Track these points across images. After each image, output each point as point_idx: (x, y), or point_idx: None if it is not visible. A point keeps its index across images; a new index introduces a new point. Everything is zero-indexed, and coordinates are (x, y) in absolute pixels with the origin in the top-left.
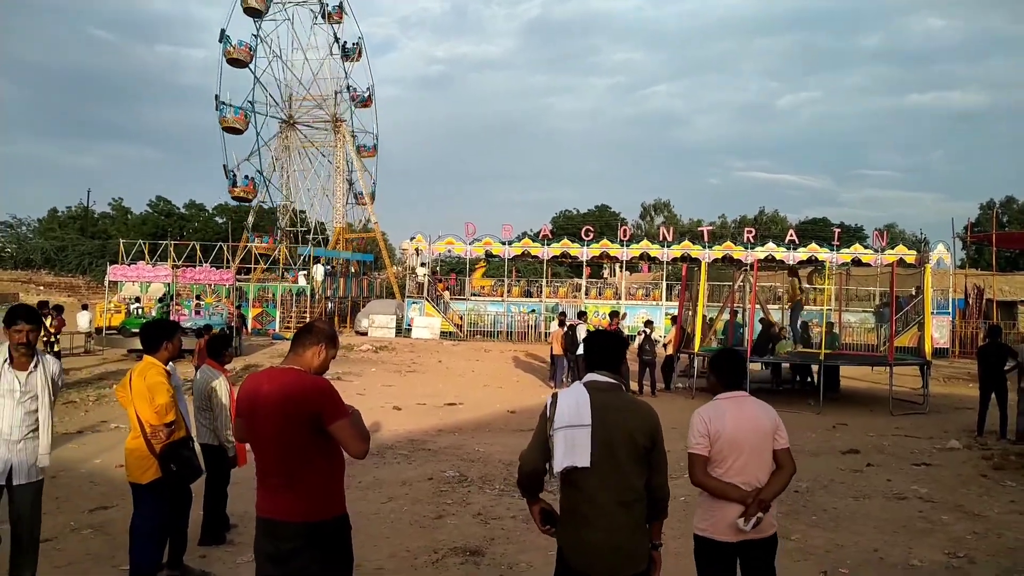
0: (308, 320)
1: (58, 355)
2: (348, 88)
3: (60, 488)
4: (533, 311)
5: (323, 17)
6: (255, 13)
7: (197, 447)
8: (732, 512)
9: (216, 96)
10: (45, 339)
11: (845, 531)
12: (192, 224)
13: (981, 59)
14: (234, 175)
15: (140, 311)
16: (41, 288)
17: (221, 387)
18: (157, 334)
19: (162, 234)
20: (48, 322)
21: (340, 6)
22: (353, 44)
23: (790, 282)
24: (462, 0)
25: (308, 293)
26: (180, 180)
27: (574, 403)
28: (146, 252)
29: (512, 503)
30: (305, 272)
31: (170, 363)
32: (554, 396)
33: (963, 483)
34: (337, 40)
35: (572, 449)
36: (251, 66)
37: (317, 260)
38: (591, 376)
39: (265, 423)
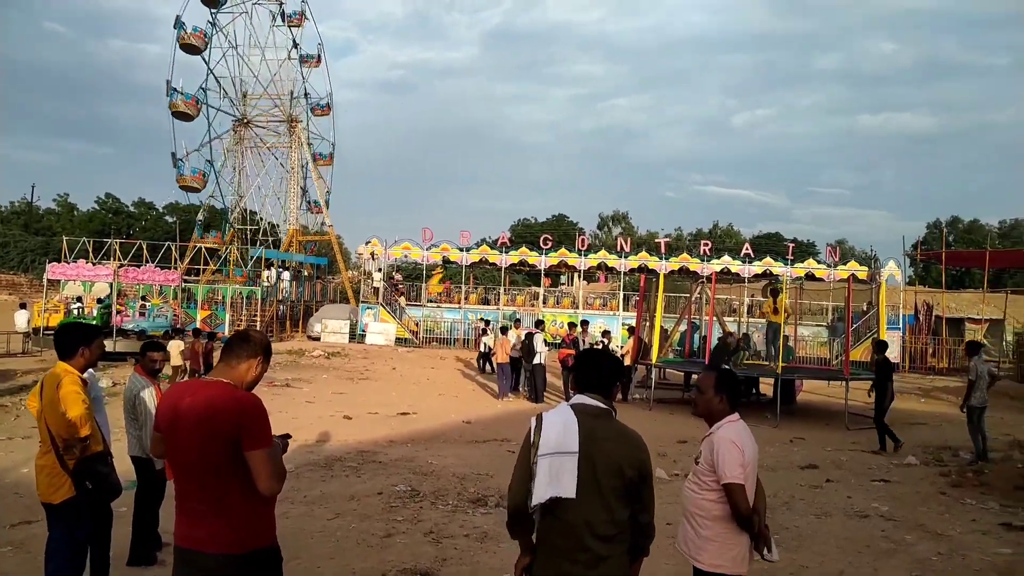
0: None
1: None
2: (306, 95)
3: None
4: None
5: (283, 20)
6: (193, 50)
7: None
8: (746, 542)
9: (167, 81)
10: None
11: (808, 551)
12: (140, 223)
13: (931, 83)
14: (182, 164)
15: (81, 311)
16: None
17: (148, 396)
18: (73, 338)
19: (109, 232)
20: None
21: (302, 12)
22: (312, 54)
23: (767, 302)
24: (424, 5)
25: (259, 296)
26: (130, 178)
27: (561, 428)
28: (90, 250)
29: (466, 520)
30: (270, 274)
31: (89, 370)
32: (538, 418)
33: (923, 500)
34: (296, 45)
35: (557, 478)
36: (205, 55)
37: (269, 262)
38: (580, 399)
39: (185, 441)
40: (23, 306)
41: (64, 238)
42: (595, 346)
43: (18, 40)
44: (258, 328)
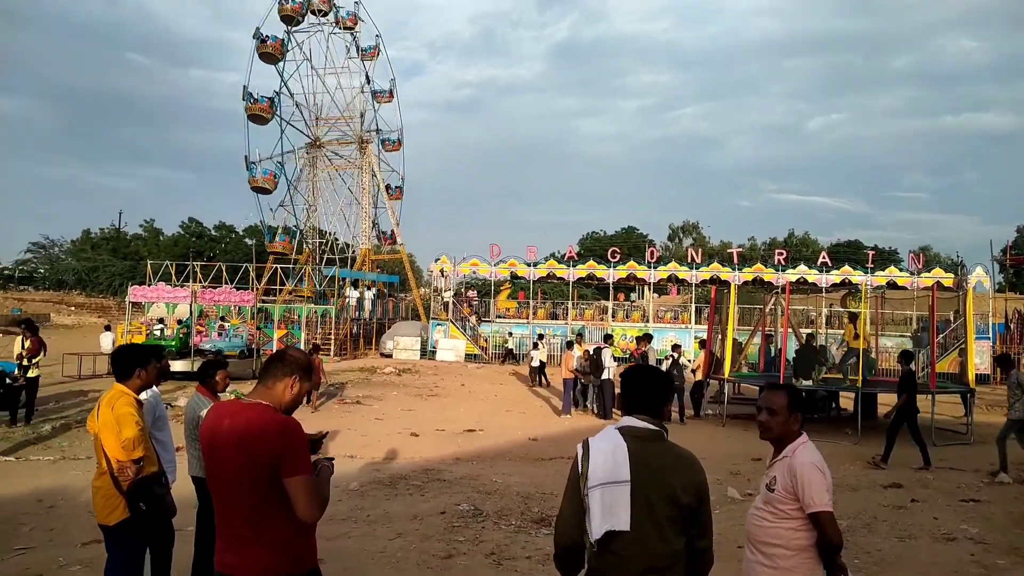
0: (337, 340)
1: (34, 382)
2: (377, 130)
3: (56, 518)
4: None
5: (357, 52)
6: (271, 59)
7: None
8: (822, 571)
9: (244, 86)
10: (18, 363)
11: None
12: (221, 245)
13: (1013, 80)
14: (254, 167)
15: (163, 332)
16: (72, 309)
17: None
18: (129, 360)
19: (193, 255)
20: (19, 342)
21: (376, 47)
22: (384, 89)
23: (848, 328)
24: (490, 24)
25: (333, 314)
26: (211, 202)
27: (610, 455)
28: (173, 273)
29: (528, 541)
30: (356, 293)
31: (151, 389)
32: (585, 445)
33: (1016, 522)
34: (369, 79)
35: (611, 511)
36: (280, 66)
37: (355, 282)
38: (628, 421)
39: (225, 465)
40: (108, 328)
41: (148, 262)
42: (662, 361)
43: (104, 72)
44: (332, 347)
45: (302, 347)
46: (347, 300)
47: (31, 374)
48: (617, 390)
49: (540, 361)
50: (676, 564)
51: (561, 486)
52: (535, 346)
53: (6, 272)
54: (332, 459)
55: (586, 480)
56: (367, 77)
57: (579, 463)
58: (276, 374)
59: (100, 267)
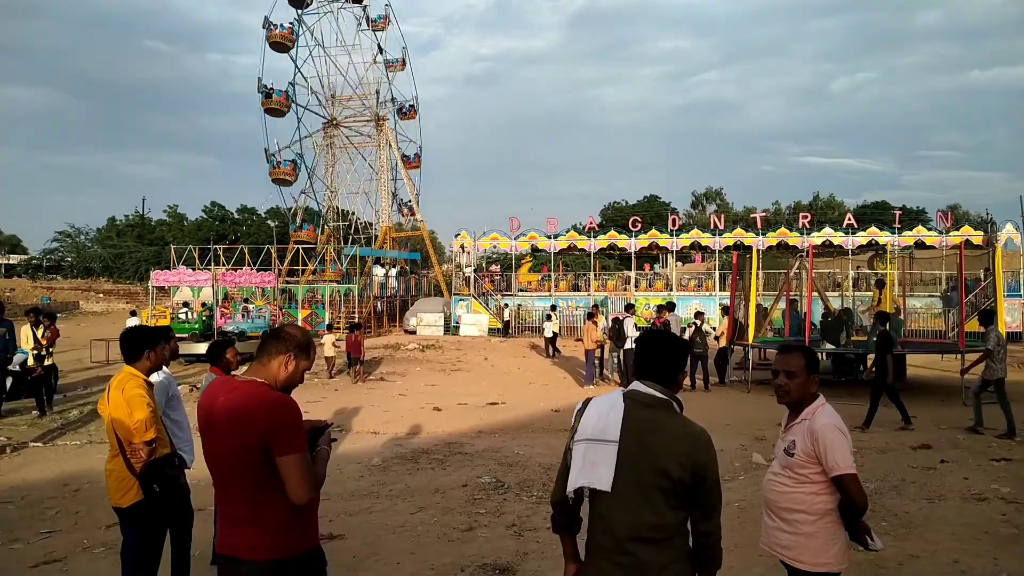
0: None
1: (51, 369)
2: (392, 100)
3: (81, 502)
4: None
5: (367, 24)
6: (298, 3)
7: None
8: (844, 534)
9: (259, 79)
10: (35, 351)
11: (919, 539)
12: (243, 228)
13: None
14: (275, 158)
15: (187, 315)
16: (100, 296)
17: None
18: (137, 342)
19: (217, 239)
20: (39, 332)
21: (386, 16)
22: (397, 58)
23: (874, 293)
24: None
25: (356, 293)
26: (232, 186)
27: (604, 413)
28: (196, 257)
29: (550, 512)
30: (379, 271)
31: (163, 370)
32: (585, 402)
33: None
34: (381, 50)
35: (591, 467)
36: (292, 53)
37: (379, 260)
38: (636, 385)
39: (219, 443)
40: (133, 313)
41: (172, 247)
42: (686, 329)
43: (123, 60)
44: (357, 323)
45: (325, 327)
46: (374, 278)
47: (48, 363)
48: None
49: (552, 332)
50: (669, 539)
51: None
52: (548, 318)
53: (34, 262)
54: (330, 429)
55: (573, 434)
56: (379, 47)
57: (574, 418)
58: (271, 351)
59: (126, 253)
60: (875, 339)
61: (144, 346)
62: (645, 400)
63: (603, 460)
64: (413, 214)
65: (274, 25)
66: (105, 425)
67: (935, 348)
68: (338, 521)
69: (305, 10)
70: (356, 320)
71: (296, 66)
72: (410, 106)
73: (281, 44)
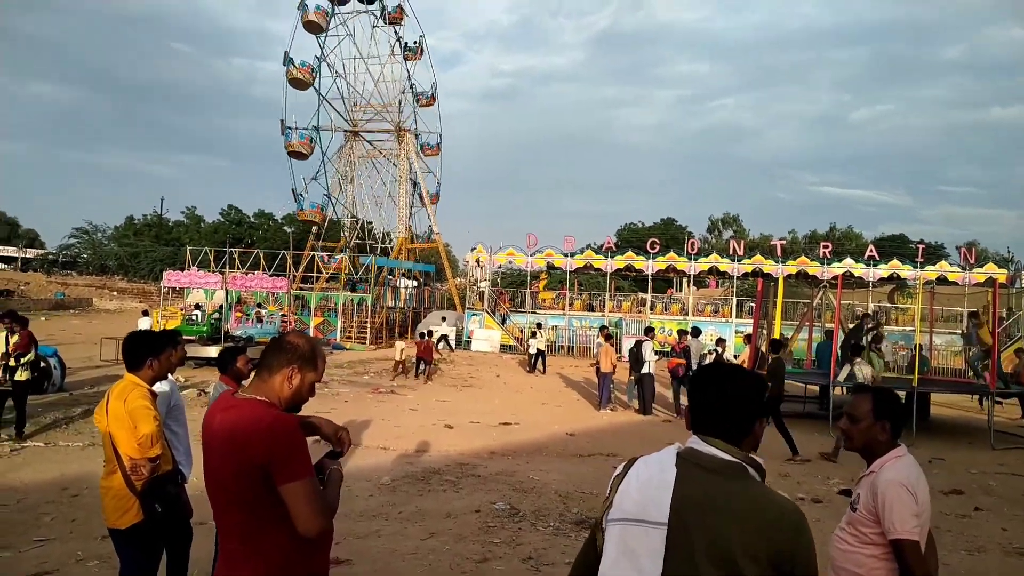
0: (373, 328)
1: (22, 386)
2: (411, 88)
3: (80, 508)
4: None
5: (383, 19)
6: (315, 28)
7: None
8: None
9: (282, 121)
10: (3, 363)
11: None
12: (258, 233)
13: None
14: (303, 199)
15: (197, 318)
16: (114, 293)
17: None
18: (140, 349)
19: (232, 242)
20: (12, 340)
21: (400, 7)
22: (414, 43)
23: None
24: (529, 12)
25: (369, 302)
26: (251, 189)
27: (649, 482)
28: (211, 259)
29: (568, 545)
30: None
31: (167, 379)
32: (627, 464)
33: None
34: (399, 39)
35: (628, 559)
36: (315, 84)
37: (380, 270)
38: (693, 443)
39: (214, 470)
40: (145, 313)
41: (188, 248)
42: (706, 356)
43: (149, 61)
44: (368, 335)
45: (338, 336)
46: (400, 290)
47: (19, 377)
48: (656, 385)
49: (538, 349)
50: None
51: (601, 485)
52: (533, 334)
53: (51, 257)
54: (339, 459)
55: (608, 511)
56: (396, 38)
57: (609, 487)
58: (272, 364)
59: (142, 252)
60: (768, 368)
61: (147, 353)
62: (706, 464)
63: (645, 550)
64: (435, 202)
65: (294, 64)
66: (102, 438)
67: (964, 388)
68: (345, 544)
69: (324, 34)
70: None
71: (322, 50)
72: (430, 93)
73: (314, 24)
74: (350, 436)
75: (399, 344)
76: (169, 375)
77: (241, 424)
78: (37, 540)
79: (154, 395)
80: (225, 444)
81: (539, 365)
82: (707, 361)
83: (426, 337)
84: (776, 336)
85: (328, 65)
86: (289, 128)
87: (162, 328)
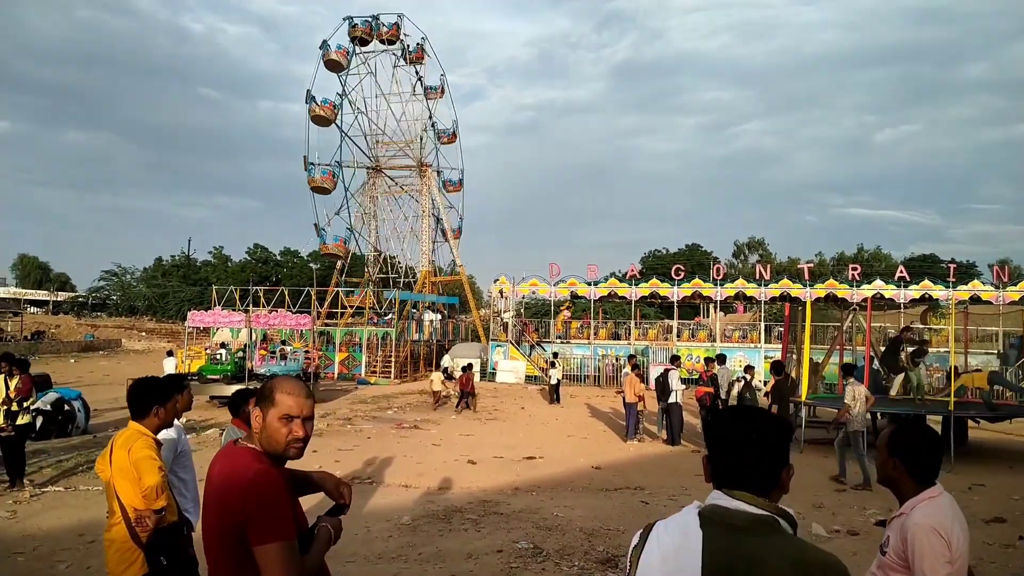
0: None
1: (23, 430)
2: (433, 126)
3: (95, 555)
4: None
5: (404, 59)
6: (337, 67)
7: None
8: None
9: (304, 157)
10: (4, 407)
11: None
12: (283, 270)
13: None
14: (324, 233)
15: (222, 356)
16: (143, 334)
17: None
18: (145, 396)
19: (259, 280)
20: (12, 383)
21: (420, 46)
22: (436, 85)
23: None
24: (548, 47)
25: (393, 336)
26: (277, 228)
27: (674, 552)
28: (237, 298)
29: None
30: (436, 317)
31: (174, 424)
32: (644, 533)
33: None
34: (420, 80)
35: None
36: (337, 121)
37: (403, 304)
38: (716, 499)
39: (206, 522)
40: (170, 354)
41: (214, 288)
42: (735, 383)
43: (177, 106)
44: (392, 369)
45: (363, 371)
46: (424, 323)
47: (20, 421)
48: (684, 414)
49: (557, 379)
50: None
51: (628, 521)
52: (552, 364)
53: (80, 299)
54: (343, 508)
55: None
56: (418, 77)
57: (628, 558)
58: (243, 412)
59: (170, 293)
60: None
61: (153, 401)
62: (735, 522)
63: None
64: (458, 237)
65: (316, 102)
66: (105, 488)
67: (1005, 413)
68: None
69: (346, 72)
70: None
71: (342, 132)
72: (451, 131)
73: (336, 63)
74: (351, 491)
75: (436, 375)
76: (176, 420)
77: (230, 477)
78: None
79: (159, 444)
80: (213, 496)
81: (554, 395)
82: (736, 389)
83: (467, 370)
84: (805, 360)
85: (350, 102)
86: (312, 164)
87: (187, 368)
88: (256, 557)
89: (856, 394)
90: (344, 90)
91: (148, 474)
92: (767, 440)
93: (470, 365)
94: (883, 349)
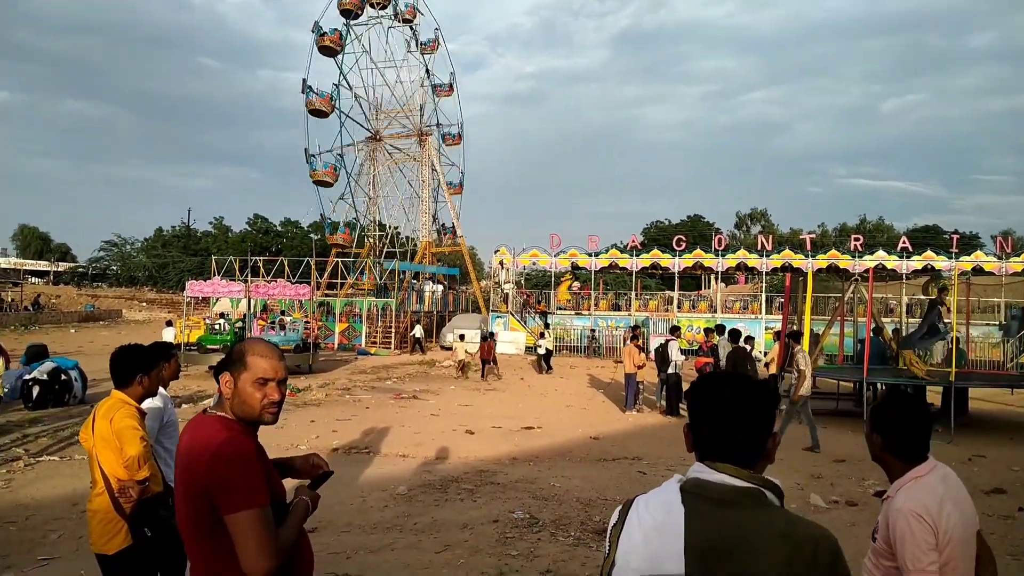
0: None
1: None
2: (429, 79)
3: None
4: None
5: (416, 46)
6: (330, 52)
7: None
8: None
9: (306, 150)
10: None
11: None
12: (284, 240)
13: None
14: (315, 160)
15: (221, 327)
16: (144, 304)
17: None
18: (129, 364)
19: (259, 251)
20: None
21: (435, 40)
22: (445, 83)
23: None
24: (550, 14)
25: (393, 307)
26: (277, 198)
27: (655, 533)
28: (236, 268)
29: (588, 557)
30: (439, 288)
31: (160, 392)
32: (624, 508)
33: None
34: (429, 73)
35: None
36: (338, 59)
37: (403, 273)
38: (699, 471)
39: (178, 493)
40: (169, 324)
41: (213, 258)
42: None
43: (175, 74)
44: (392, 340)
45: (363, 342)
46: (425, 294)
47: None
48: (685, 384)
49: (547, 349)
50: None
51: (625, 491)
52: (541, 335)
53: (80, 270)
54: (321, 485)
55: (611, 568)
56: (427, 71)
57: (609, 537)
58: (216, 377)
59: (170, 263)
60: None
61: (137, 369)
62: (718, 495)
63: None
64: (454, 236)
65: (324, 30)
66: (88, 458)
67: (1004, 382)
68: (356, 559)
69: (355, 21)
70: (415, 335)
71: (341, 71)
72: (456, 132)
73: (329, 48)
74: (322, 459)
75: (459, 345)
76: (162, 389)
77: (196, 446)
78: (41, 560)
79: (142, 413)
80: (181, 468)
81: (544, 364)
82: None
83: (488, 339)
84: (806, 331)
85: (348, 85)
86: (313, 156)
87: (186, 338)
88: (228, 527)
89: (807, 360)
90: (341, 73)
91: (130, 444)
92: (754, 407)
93: (492, 334)
94: (920, 317)
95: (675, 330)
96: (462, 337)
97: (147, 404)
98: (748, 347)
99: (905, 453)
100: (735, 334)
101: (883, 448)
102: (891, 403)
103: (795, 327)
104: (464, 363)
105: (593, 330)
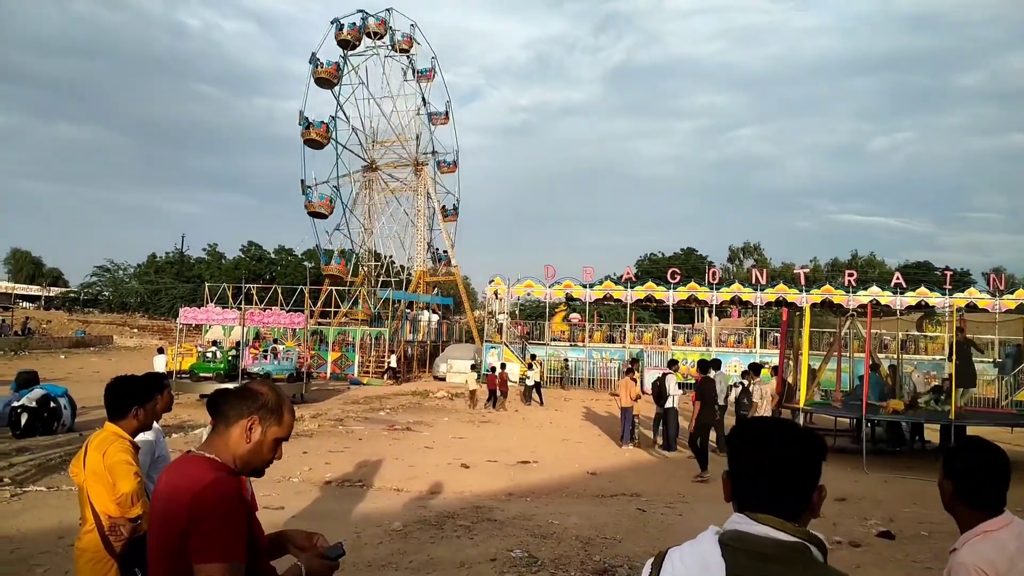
0: (388, 364)
1: None
2: (433, 152)
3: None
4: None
5: (413, 75)
6: (327, 84)
7: None
8: None
9: (302, 181)
10: None
11: None
12: (278, 268)
13: None
14: (311, 191)
15: (214, 355)
16: (135, 331)
17: None
18: (124, 396)
19: (252, 278)
20: None
21: (432, 68)
22: (440, 111)
23: None
24: (545, 49)
25: (387, 336)
26: (271, 226)
27: None
28: (230, 295)
29: None
30: (435, 317)
31: (152, 427)
32: (657, 561)
33: None
34: (426, 102)
35: None
36: (335, 90)
37: (396, 303)
38: (738, 523)
39: (150, 539)
40: (160, 351)
41: (207, 284)
42: (732, 388)
43: (173, 102)
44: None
45: (356, 372)
46: (419, 323)
47: None
48: (682, 420)
49: (535, 381)
50: None
51: (625, 529)
52: (529, 367)
53: (72, 295)
54: (341, 548)
55: None
56: (423, 99)
57: None
58: (229, 414)
59: (163, 290)
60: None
61: (133, 401)
62: (760, 549)
63: None
64: (448, 264)
65: (321, 62)
66: (78, 493)
67: (1004, 420)
68: None
69: (352, 52)
70: (390, 364)
71: (338, 102)
72: (452, 160)
73: (326, 80)
74: (327, 540)
75: (470, 376)
76: (156, 423)
77: (179, 486)
78: None
79: (137, 448)
80: (158, 510)
81: (535, 396)
82: (732, 395)
83: (499, 371)
84: (804, 366)
85: (345, 116)
86: (309, 187)
87: (177, 366)
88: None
89: (763, 392)
90: (338, 104)
91: (123, 480)
92: (803, 457)
93: (503, 365)
94: (955, 359)
95: (673, 363)
96: (474, 367)
97: (139, 438)
98: (746, 381)
99: (978, 503)
100: (703, 365)
101: (954, 496)
102: (968, 449)
103: (791, 362)
104: (475, 393)
105: (566, 359)
